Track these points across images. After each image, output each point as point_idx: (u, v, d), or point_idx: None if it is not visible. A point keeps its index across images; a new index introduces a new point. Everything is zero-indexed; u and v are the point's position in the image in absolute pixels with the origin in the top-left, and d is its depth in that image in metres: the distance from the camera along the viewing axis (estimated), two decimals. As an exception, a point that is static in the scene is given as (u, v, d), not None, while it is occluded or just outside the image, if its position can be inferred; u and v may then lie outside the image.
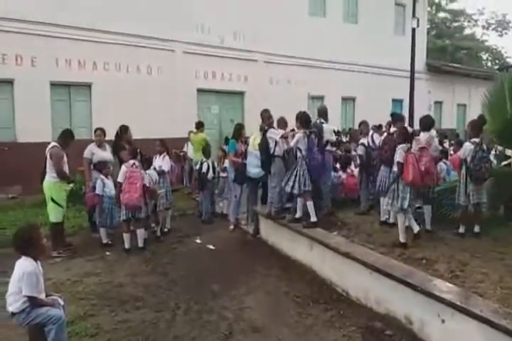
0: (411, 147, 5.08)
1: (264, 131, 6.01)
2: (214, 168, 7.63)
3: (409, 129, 5.76)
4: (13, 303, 3.02)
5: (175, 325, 3.89)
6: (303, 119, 5.57)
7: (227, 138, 8.60)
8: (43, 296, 3.13)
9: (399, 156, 4.96)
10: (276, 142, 5.82)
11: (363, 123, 7.32)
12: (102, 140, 6.55)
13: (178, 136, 10.80)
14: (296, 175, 5.40)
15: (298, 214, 5.59)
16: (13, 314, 3.05)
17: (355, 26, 15.99)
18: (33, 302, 3.03)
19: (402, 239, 4.89)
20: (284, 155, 5.85)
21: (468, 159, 5.22)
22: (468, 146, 5.30)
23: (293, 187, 5.41)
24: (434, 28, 30.65)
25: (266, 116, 6.22)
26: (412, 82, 14.04)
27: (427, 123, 5.72)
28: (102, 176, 6.19)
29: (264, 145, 5.86)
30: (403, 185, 4.89)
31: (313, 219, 5.36)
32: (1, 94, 9.47)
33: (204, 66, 12.33)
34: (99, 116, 10.19)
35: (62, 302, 3.27)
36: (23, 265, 3.03)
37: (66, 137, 5.97)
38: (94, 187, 6.15)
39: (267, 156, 5.84)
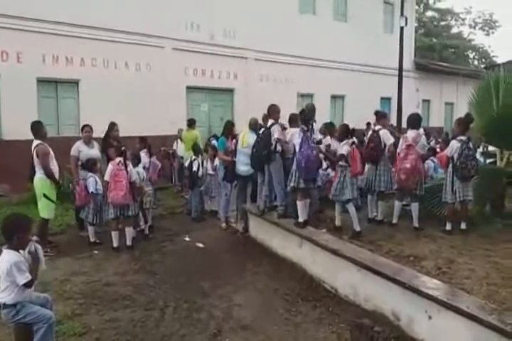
0: (359, 141, 5.60)
1: (270, 125, 5.73)
2: (203, 166, 7.59)
3: (350, 126, 5.90)
4: (7, 296, 2.99)
5: (164, 324, 3.88)
6: (302, 117, 5.57)
7: (215, 136, 8.55)
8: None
9: (344, 149, 5.29)
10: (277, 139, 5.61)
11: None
12: (90, 136, 6.47)
13: (167, 133, 10.75)
14: (289, 172, 5.41)
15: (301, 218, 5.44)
16: (4, 306, 3.00)
17: (344, 24, 16.05)
18: (31, 284, 3.02)
19: (356, 228, 5.22)
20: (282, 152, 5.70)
21: (455, 157, 5.29)
22: (455, 144, 5.37)
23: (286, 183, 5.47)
24: (421, 27, 30.94)
25: (276, 110, 5.88)
26: (400, 80, 14.19)
27: (415, 121, 5.77)
28: (90, 174, 6.13)
29: (267, 139, 5.61)
30: (349, 177, 5.24)
31: (300, 219, 5.34)
32: (-14, 91, 9.32)
33: (194, 63, 12.24)
34: (87, 113, 10.05)
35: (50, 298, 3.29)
36: (7, 258, 2.97)
37: (38, 129, 5.82)
38: (85, 186, 6.07)
39: (268, 151, 5.58)
